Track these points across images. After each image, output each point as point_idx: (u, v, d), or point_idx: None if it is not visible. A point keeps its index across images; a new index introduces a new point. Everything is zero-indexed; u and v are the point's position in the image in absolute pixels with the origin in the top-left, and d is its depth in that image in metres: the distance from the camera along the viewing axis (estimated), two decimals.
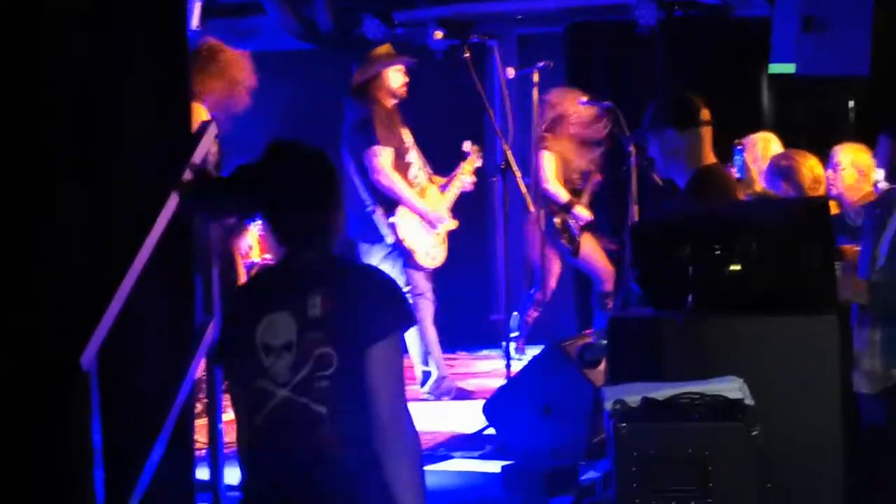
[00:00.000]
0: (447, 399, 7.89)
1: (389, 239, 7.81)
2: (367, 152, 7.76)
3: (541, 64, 8.29)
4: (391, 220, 7.81)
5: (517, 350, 9.16)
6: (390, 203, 7.85)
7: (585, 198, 9.04)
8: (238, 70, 6.66)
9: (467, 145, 8.25)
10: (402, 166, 7.87)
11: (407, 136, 7.95)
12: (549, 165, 8.90)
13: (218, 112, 6.44)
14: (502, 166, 7.80)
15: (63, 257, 4.38)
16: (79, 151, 4.49)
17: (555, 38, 10.12)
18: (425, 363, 7.96)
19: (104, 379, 4.13)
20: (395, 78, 7.91)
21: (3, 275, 4.25)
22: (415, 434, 3.30)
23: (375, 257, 7.83)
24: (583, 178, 9.05)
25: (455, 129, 8.45)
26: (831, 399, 4.13)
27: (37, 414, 4.22)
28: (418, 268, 7.92)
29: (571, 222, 8.95)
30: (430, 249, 7.96)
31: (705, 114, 5.26)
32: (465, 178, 8.20)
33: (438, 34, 8.80)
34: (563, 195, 8.90)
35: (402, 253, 7.83)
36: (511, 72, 8.35)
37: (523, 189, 7.93)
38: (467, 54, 7.76)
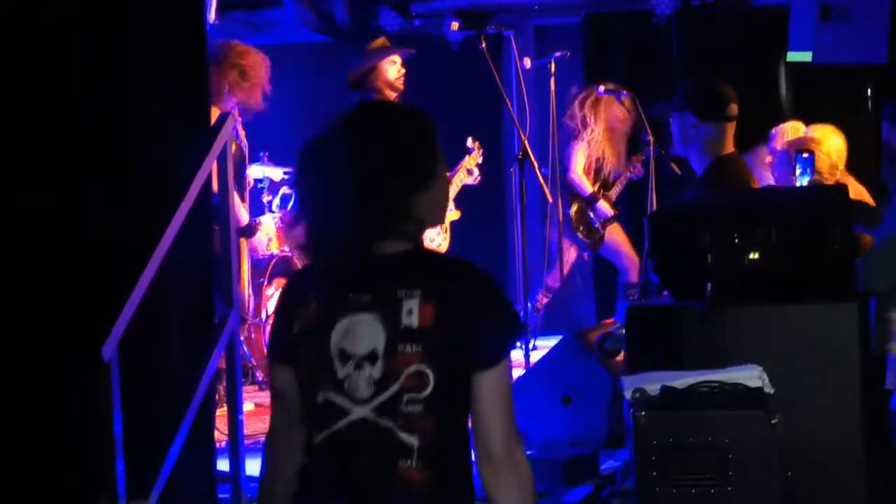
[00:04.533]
0: None
1: None
2: None
3: (558, 54, 8.28)
4: None
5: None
6: None
7: (614, 192, 9.01)
8: (261, 73, 6.69)
9: (470, 141, 8.26)
10: None
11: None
12: (578, 157, 8.90)
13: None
14: (519, 156, 7.79)
15: (85, 248, 4.40)
16: (101, 145, 4.51)
17: (572, 29, 10.11)
18: None
19: (125, 370, 4.14)
20: (391, 70, 7.91)
21: (26, 266, 4.27)
22: (528, 465, 2.85)
23: None
24: (613, 173, 9.02)
25: (472, 120, 8.45)
26: (852, 386, 4.13)
27: (58, 404, 4.24)
28: None
29: (591, 215, 8.94)
30: (435, 237, 7.99)
31: (732, 109, 5.25)
32: (465, 174, 8.22)
33: (455, 25, 8.78)
34: (588, 187, 8.89)
35: None
36: (528, 62, 8.34)
37: (541, 179, 7.91)
38: (484, 45, 7.75)
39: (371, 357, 2.72)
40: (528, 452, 5.94)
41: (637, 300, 5.70)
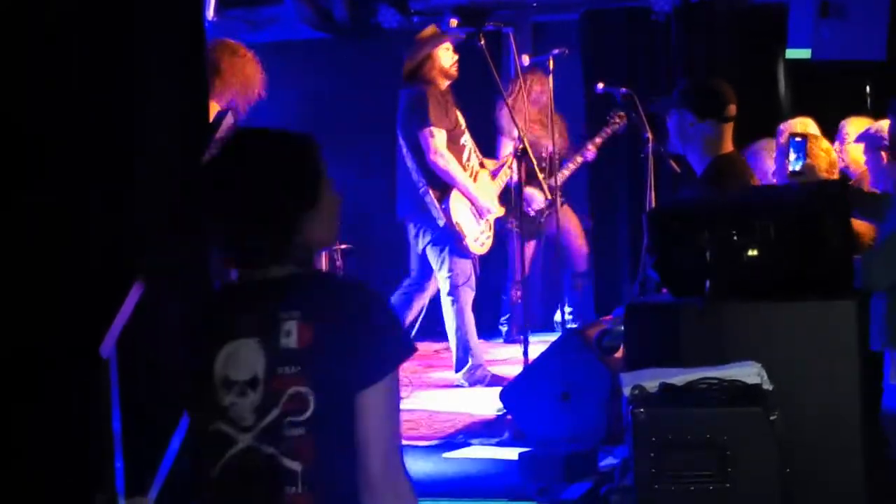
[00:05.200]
0: (481, 387, 7.89)
1: (440, 221, 7.83)
2: (422, 133, 7.80)
3: (556, 51, 8.27)
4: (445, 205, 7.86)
5: (507, 335, 9.28)
6: (443, 187, 7.87)
7: (560, 177, 8.69)
8: (254, 71, 6.66)
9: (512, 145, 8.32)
10: (455, 150, 7.89)
11: (460, 119, 7.95)
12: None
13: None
14: (518, 153, 7.79)
15: (83, 247, 4.40)
16: (100, 144, 4.51)
17: (570, 26, 10.12)
18: (463, 350, 7.96)
19: (123, 367, 4.14)
20: (446, 57, 7.93)
21: (25, 265, 4.27)
22: (411, 491, 2.72)
23: (423, 239, 7.91)
24: (545, 159, 8.83)
25: (470, 116, 8.44)
26: (850, 383, 4.13)
27: (57, 402, 4.24)
28: (465, 254, 7.93)
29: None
30: (479, 235, 7.98)
31: (731, 109, 5.24)
32: (507, 173, 8.24)
33: (454, 22, 8.78)
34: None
35: (450, 237, 7.85)
36: (526, 59, 8.34)
37: (539, 176, 7.91)
38: (482, 42, 7.75)
39: (252, 382, 2.65)
40: (528, 449, 5.91)
41: (632, 295, 5.70)
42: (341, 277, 2.85)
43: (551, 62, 8.22)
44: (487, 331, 9.61)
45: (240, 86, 6.36)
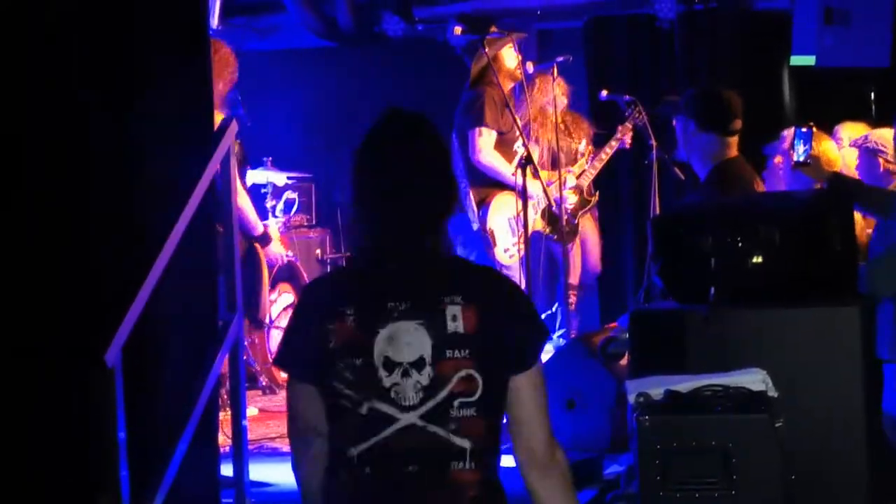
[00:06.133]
0: None
1: (475, 225, 7.83)
2: (472, 132, 7.83)
3: (560, 58, 8.27)
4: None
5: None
6: (485, 191, 7.86)
7: (584, 179, 8.71)
8: (234, 66, 6.65)
9: (584, 145, 8.31)
10: (506, 153, 7.86)
11: (518, 124, 7.87)
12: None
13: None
14: (524, 160, 7.78)
15: (88, 254, 4.40)
16: (103, 149, 4.51)
17: (574, 33, 10.11)
18: None
19: (129, 375, 4.14)
20: (510, 58, 7.94)
21: (29, 271, 4.27)
22: (567, 461, 2.97)
23: (455, 239, 7.91)
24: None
25: None
26: (855, 389, 4.13)
27: (62, 410, 4.24)
28: (491, 263, 7.88)
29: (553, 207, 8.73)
30: (511, 247, 7.95)
31: (736, 124, 5.24)
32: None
33: (458, 30, 8.78)
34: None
35: (479, 243, 7.85)
36: (531, 66, 8.34)
37: (542, 183, 7.91)
38: (487, 49, 7.75)
39: (419, 364, 2.75)
40: None
41: (636, 302, 5.69)
42: (484, 266, 2.97)
43: (556, 69, 8.22)
44: None
45: (227, 81, 6.38)
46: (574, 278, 8.89)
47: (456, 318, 2.75)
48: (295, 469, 2.96)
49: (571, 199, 8.51)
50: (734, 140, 5.26)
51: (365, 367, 2.76)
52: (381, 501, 2.79)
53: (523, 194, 7.74)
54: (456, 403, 2.76)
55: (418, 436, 2.76)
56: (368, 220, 2.84)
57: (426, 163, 2.85)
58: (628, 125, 8.38)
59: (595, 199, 8.79)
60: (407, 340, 2.75)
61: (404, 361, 2.75)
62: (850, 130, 7.05)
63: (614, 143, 8.68)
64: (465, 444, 2.77)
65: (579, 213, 8.75)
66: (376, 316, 2.77)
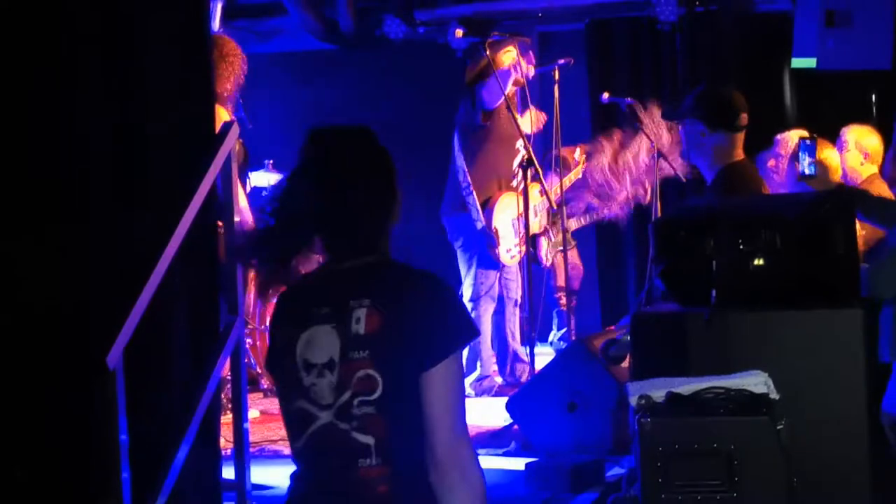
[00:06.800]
0: (488, 397, 7.88)
1: (479, 224, 7.84)
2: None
3: (562, 61, 8.26)
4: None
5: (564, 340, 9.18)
6: (490, 194, 7.89)
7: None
8: (242, 63, 6.64)
9: (578, 153, 8.31)
10: (506, 153, 7.89)
11: (519, 126, 7.85)
12: None
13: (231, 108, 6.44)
14: (524, 162, 7.79)
15: (88, 257, 4.40)
16: (105, 151, 4.51)
17: (576, 35, 10.12)
18: (473, 359, 7.96)
19: (130, 378, 4.14)
20: (510, 61, 7.92)
21: (30, 273, 4.27)
22: (478, 468, 2.93)
23: (457, 241, 7.96)
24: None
25: None
26: (857, 392, 4.13)
27: (63, 413, 4.24)
28: (492, 263, 7.93)
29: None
30: (512, 247, 7.96)
31: (743, 119, 5.23)
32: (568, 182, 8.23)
33: (459, 32, 8.79)
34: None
35: (483, 243, 7.85)
36: (532, 69, 8.34)
37: (545, 186, 7.91)
38: (488, 52, 7.75)
39: (330, 365, 2.90)
40: (534, 459, 5.90)
41: (638, 304, 5.69)
42: (410, 266, 3.01)
43: (557, 72, 8.22)
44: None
45: (235, 80, 6.37)
46: (561, 280, 8.92)
47: (359, 321, 2.88)
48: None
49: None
50: (741, 138, 5.25)
51: (291, 368, 2.94)
52: (313, 494, 2.96)
53: (525, 195, 7.75)
54: (356, 402, 2.87)
55: (332, 433, 2.90)
56: (314, 230, 3.00)
57: (357, 170, 2.97)
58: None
59: (573, 245, 8.96)
60: (320, 343, 2.91)
61: (318, 363, 2.91)
62: (857, 133, 7.07)
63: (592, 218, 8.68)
64: (369, 440, 2.87)
65: (557, 247, 8.79)
66: (301, 320, 2.95)
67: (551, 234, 8.47)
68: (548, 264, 8.66)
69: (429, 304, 2.89)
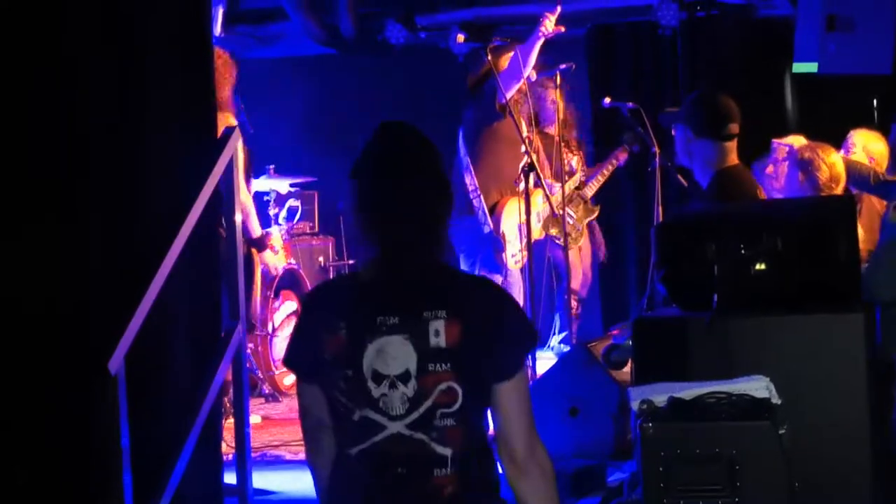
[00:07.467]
0: None
1: (486, 228, 7.83)
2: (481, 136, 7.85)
3: (563, 66, 8.26)
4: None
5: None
6: (497, 198, 7.88)
7: (588, 191, 8.84)
8: (232, 69, 6.65)
9: (575, 161, 8.32)
10: (511, 155, 7.87)
11: (524, 130, 7.84)
12: None
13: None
14: (526, 168, 7.78)
15: (90, 262, 4.40)
16: (106, 157, 4.51)
17: (577, 41, 10.12)
18: None
19: (132, 383, 4.14)
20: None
21: (32, 278, 4.27)
22: (550, 462, 3.06)
23: (460, 245, 7.90)
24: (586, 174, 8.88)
25: None
26: (859, 396, 4.12)
27: (65, 418, 4.24)
28: (495, 268, 7.91)
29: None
30: (517, 252, 7.95)
31: (732, 128, 5.22)
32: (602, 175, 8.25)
33: (460, 37, 8.79)
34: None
35: (488, 246, 7.84)
36: (533, 74, 8.33)
37: (546, 190, 7.91)
38: (489, 57, 7.75)
39: (404, 377, 2.88)
40: None
41: (639, 309, 5.68)
42: (474, 275, 3.10)
43: (558, 77, 8.22)
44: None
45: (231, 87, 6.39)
46: (576, 283, 8.90)
47: (438, 333, 2.88)
48: (308, 460, 3.11)
49: (571, 212, 8.58)
50: (732, 145, 5.24)
51: (356, 378, 2.91)
52: (374, 498, 2.94)
53: (526, 200, 7.74)
54: (437, 414, 2.89)
55: (405, 443, 2.90)
56: (368, 232, 2.95)
57: (421, 171, 2.96)
58: (626, 147, 8.43)
59: (597, 212, 8.87)
60: (394, 354, 2.89)
61: (391, 374, 2.89)
62: (865, 138, 7.07)
63: (611, 167, 8.70)
64: (447, 451, 2.91)
65: (584, 220, 8.78)
66: (366, 330, 2.90)
67: (571, 213, 8.46)
68: (579, 244, 8.66)
69: (502, 313, 2.95)
